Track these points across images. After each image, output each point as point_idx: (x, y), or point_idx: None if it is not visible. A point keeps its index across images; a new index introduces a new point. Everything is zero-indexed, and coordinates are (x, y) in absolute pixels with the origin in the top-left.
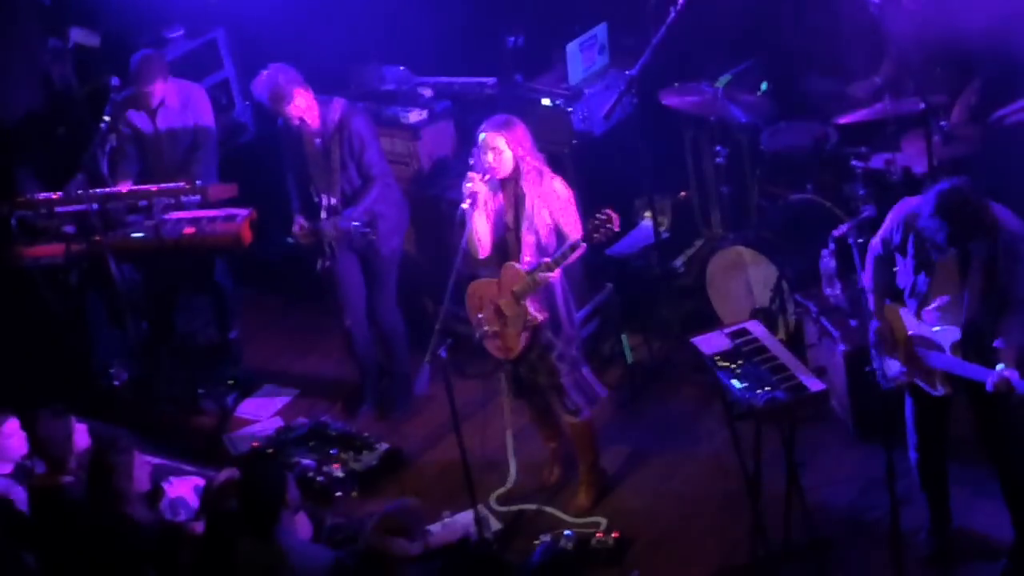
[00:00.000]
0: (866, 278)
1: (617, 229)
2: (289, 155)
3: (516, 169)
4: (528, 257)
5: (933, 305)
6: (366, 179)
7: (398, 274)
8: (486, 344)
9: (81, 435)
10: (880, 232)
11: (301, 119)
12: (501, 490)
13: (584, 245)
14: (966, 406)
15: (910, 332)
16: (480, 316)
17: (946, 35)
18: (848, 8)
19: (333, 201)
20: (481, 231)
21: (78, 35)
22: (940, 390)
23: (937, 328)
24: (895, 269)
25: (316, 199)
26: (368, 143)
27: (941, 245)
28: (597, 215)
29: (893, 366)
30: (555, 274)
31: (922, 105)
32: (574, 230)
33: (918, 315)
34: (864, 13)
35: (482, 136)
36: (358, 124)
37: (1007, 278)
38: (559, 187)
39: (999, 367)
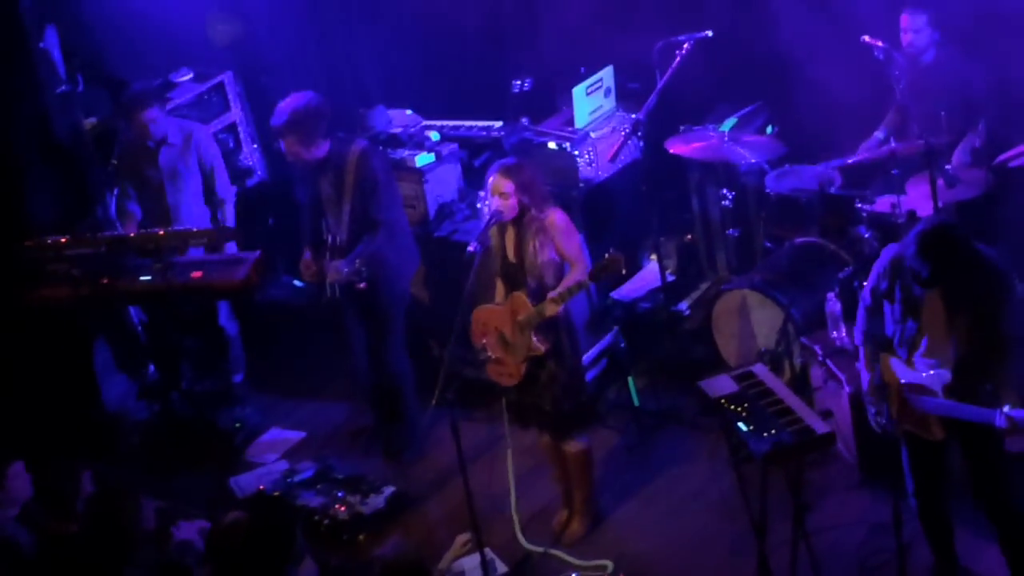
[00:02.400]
0: (857, 330)
1: (624, 271)
2: (304, 188)
3: (521, 211)
4: (533, 289)
5: (921, 350)
6: (372, 223)
7: (405, 319)
8: (488, 370)
9: (86, 480)
10: (868, 282)
11: (287, 154)
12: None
13: (590, 284)
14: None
15: (902, 380)
16: (484, 341)
17: (951, 80)
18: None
19: (340, 240)
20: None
21: None
22: (937, 435)
23: (928, 373)
24: (884, 318)
25: (326, 236)
26: (379, 186)
27: (926, 282)
28: (605, 255)
29: (888, 415)
30: (559, 309)
31: (926, 148)
32: (578, 259)
33: (908, 361)
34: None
35: (490, 180)
36: (372, 167)
37: (993, 318)
38: (560, 220)
39: (1005, 408)
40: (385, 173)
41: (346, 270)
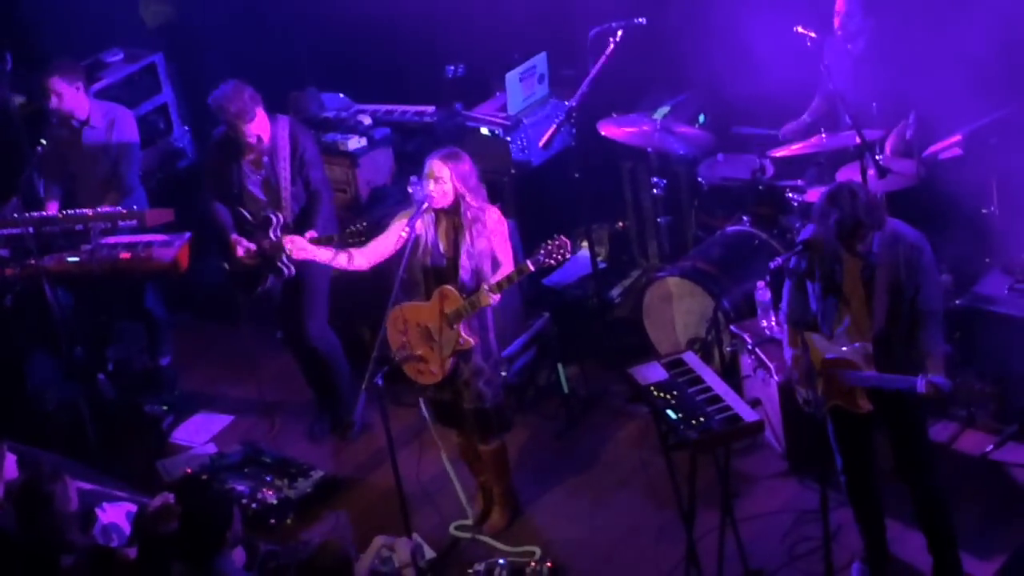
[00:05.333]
0: (782, 312)
1: (570, 255)
2: (219, 174)
3: (456, 201)
4: (465, 281)
5: (844, 324)
6: (313, 195)
7: (330, 296)
8: (406, 369)
9: (10, 465)
10: (792, 263)
11: (259, 138)
12: (464, 521)
13: (531, 269)
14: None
15: (826, 356)
16: (404, 340)
17: (882, 71)
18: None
19: (283, 219)
20: (381, 248)
21: None
22: (864, 407)
23: (850, 346)
24: (807, 298)
25: (252, 219)
26: (315, 160)
27: (831, 237)
28: (550, 240)
29: (815, 394)
30: (496, 298)
31: (857, 139)
32: (507, 261)
33: (831, 337)
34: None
35: (428, 165)
36: (305, 141)
37: (912, 289)
38: (497, 219)
39: (931, 375)
40: (315, 147)
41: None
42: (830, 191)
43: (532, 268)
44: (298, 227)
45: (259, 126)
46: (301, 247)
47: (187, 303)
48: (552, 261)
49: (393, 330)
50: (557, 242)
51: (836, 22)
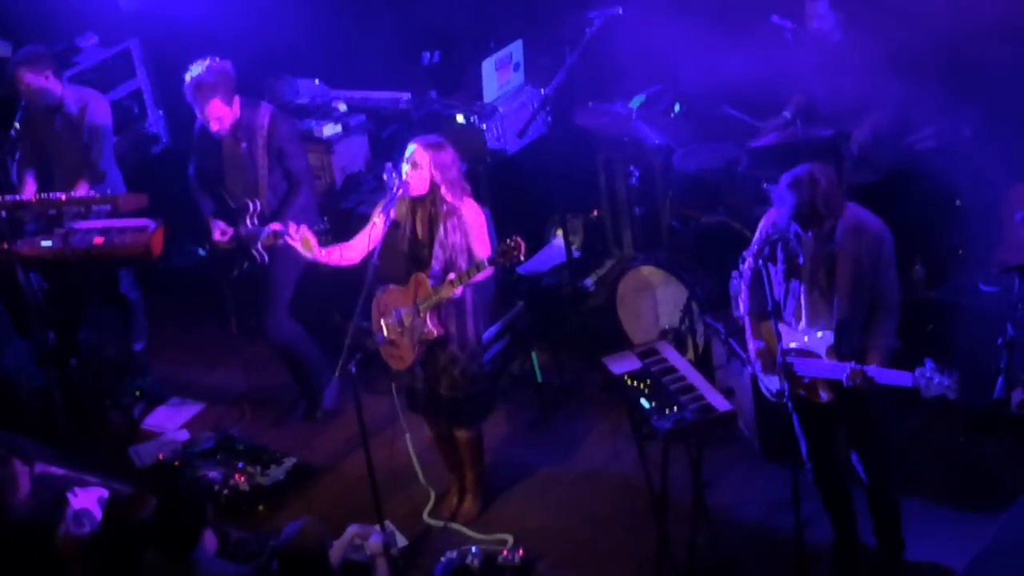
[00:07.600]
0: (743, 299)
1: (523, 258)
2: (202, 158)
3: (433, 190)
4: (437, 271)
5: (805, 312)
6: (293, 183)
7: (295, 288)
8: (383, 352)
9: None
10: (752, 249)
11: (208, 121)
12: (429, 505)
13: (490, 268)
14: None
15: (788, 346)
16: (383, 323)
17: (858, 61)
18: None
19: (259, 207)
20: (365, 239)
21: None
22: (824, 396)
23: (809, 336)
24: (769, 285)
25: (233, 204)
26: (296, 149)
27: (788, 222)
28: (506, 240)
29: (775, 382)
30: (457, 291)
31: (832, 131)
32: (483, 253)
33: (793, 324)
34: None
35: (410, 148)
36: (286, 130)
37: (873, 279)
38: (473, 211)
39: (857, 364)
40: (296, 135)
41: (315, 227)
42: (792, 176)
43: (488, 266)
44: (276, 216)
45: (214, 114)
46: (299, 242)
47: (161, 288)
48: (506, 262)
49: (377, 313)
50: (512, 243)
51: (810, 24)
